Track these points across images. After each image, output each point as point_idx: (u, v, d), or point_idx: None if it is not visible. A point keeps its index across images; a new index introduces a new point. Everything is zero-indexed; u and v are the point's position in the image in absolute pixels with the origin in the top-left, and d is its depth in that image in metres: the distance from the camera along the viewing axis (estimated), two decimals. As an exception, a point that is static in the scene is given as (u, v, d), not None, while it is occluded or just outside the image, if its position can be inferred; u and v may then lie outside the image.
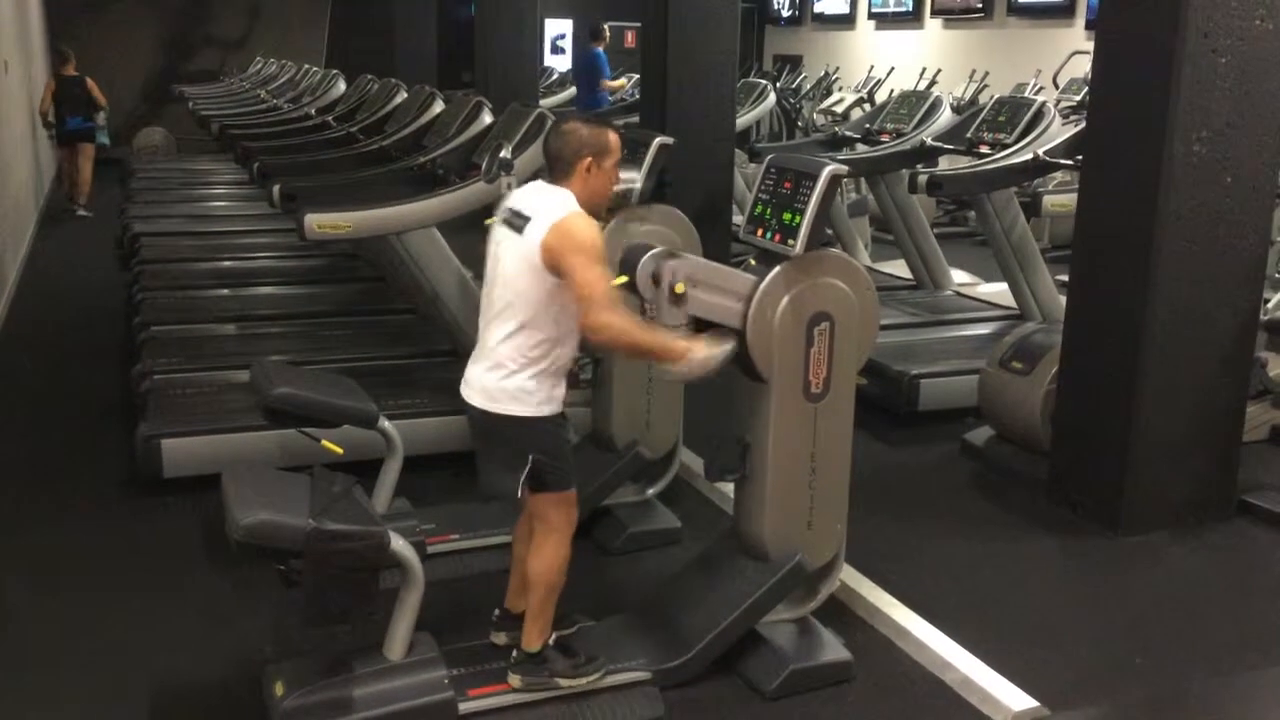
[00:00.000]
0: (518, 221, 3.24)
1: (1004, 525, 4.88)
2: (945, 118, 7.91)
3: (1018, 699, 3.50)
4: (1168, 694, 3.58)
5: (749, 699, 3.53)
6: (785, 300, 3.47)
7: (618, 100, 12.48)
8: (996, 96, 7.35)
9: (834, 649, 3.67)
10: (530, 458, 3.24)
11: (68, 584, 4.24)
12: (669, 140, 4.39)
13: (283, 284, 7.89)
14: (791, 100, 13.92)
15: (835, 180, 3.44)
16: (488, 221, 4.39)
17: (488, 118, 6.06)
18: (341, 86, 10.09)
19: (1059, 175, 8.41)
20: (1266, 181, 4.59)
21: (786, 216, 3.49)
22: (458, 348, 5.92)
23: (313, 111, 9.47)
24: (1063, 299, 7.22)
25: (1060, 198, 6.43)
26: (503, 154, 4.58)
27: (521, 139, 5.04)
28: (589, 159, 3.24)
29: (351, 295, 7.68)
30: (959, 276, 8.38)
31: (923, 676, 3.69)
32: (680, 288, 3.35)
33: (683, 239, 4.45)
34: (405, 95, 7.87)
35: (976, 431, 5.69)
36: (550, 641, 3.43)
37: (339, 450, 4.10)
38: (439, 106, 6.97)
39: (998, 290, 7.87)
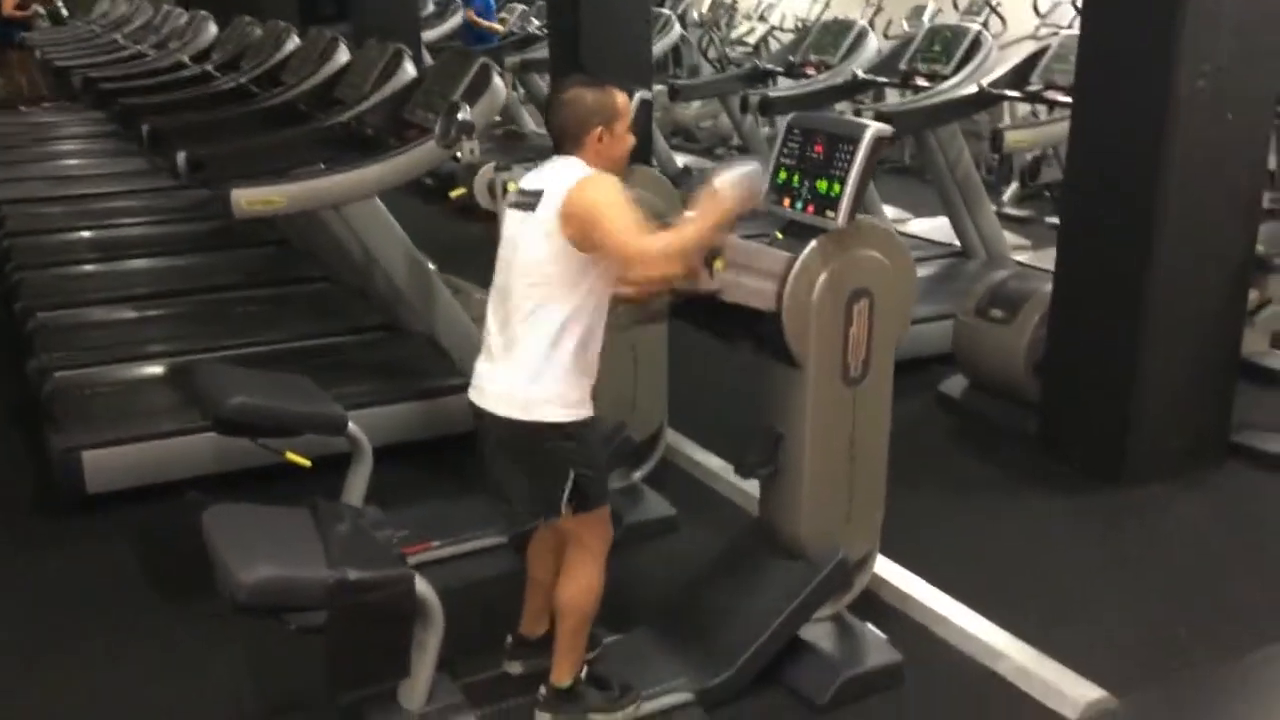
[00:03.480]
0: (528, 199, 2.82)
1: (1002, 484, 4.70)
2: (873, 48, 7.63)
3: (1082, 688, 3.29)
4: (1227, 673, 3.42)
5: (802, 713, 3.24)
6: (823, 277, 3.13)
7: (505, 36, 11.86)
8: (930, 25, 7.08)
9: (882, 650, 3.41)
10: (572, 474, 2.85)
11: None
12: (649, 95, 3.98)
13: (176, 253, 7.16)
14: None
15: (879, 144, 3.09)
16: (453, 194, 3.97)
17: (410, 68, 5.51)
18: (213, 29, 9.24)
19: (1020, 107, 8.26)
20: (1265, 117, 4.42)
21: (822, 185, 3.13)
22: (399, 323, 5.46)
23: (186, 59, 8.63)
24: (1007, 234, 7.14)
25: (1022, 133, 6.22)
26: (462, 115, 4.10)
27: (470, 96, 4.53)
28: (599, 128, 2.85)
29: (255, 262, 7.03)
30: (888, 212, 8.16)
31: (974, 669, 3.46)
32: (720, 264, 2.99)
33: (665, 203, 4.08)
34: (297, 41, 7.20)
35: (951, 382, 5.49)
36: (582, 674, 3.08)
37: (306, 462, 3.65)
38: (344, 55, 6.34)
39: (932, 226, 7.69)
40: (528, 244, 2.80)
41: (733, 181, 2.82)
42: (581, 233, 2.71)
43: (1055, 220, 8.25)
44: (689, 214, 2.81)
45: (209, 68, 8.02)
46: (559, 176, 2.79)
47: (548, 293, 2.78)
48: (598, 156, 2.86)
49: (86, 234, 7.64)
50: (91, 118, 11.54)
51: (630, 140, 2.96)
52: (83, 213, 8.18)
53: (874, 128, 3.09)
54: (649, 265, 2.69)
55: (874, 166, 3.10)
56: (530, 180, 2.88)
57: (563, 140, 2.88)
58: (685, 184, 3.21)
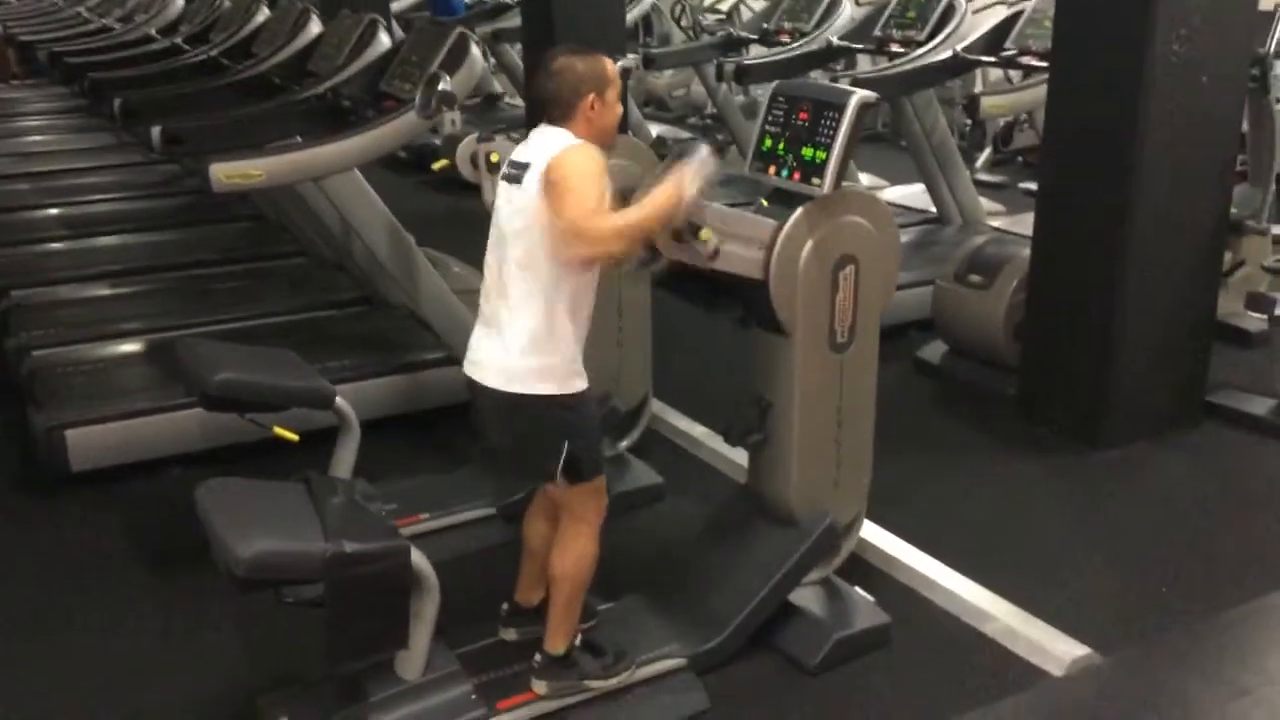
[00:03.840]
0: (517, 172, 2.82)
1: (983, 449, 4.75)
2: (847, 14, 7.61)
3: (1067, 646, 3.35)
4: (1209, 628, 3.48)
5: (793, 675, 3.28)
6: (809, 244, 3.16)
7: (473, 5, 11.74)
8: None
9: (870, 612, 3.45)
10: (565, 445, 2.87)
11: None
12: (630, 63, 3.98)
13: (150, 229, 7.08)
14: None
15: (864, 110, 3.10)
16: (436, 166, 3.96)
17: (385, 39, 5.46)
18: (180, 1, 9.12)
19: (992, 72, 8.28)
20: (1238, 79, 4.47)
21: (807, 152, 3.15)
22: (379, 296, 5.45)
23: (154, 32, 8.52)
24: (983, 200, 7.18)
25: (999, 99, 6.24)
26: (443, 86, 4.07)
27: (448, 66, 4.50)
28: (590, 96, 2.84)
29: (230, 237, 6.98)
30: (863, 179, 8.18)
31: (961, 630, 3.51)
32: (706, 234, 3.00)
33: (647, 172, 4.08)
34: (267, 12, 7.12)
35: (930, 348, 5.53)
36: (576, 641, 3.11)
37: (294, 437, 3.65)
38: (316, 26, 6.28)
39: (908, 193, 7.72)
40: (515, 216, 2.80)
41: (686, 170, 2.84)
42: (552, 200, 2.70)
43: (1029, 186, 8.32)
44: (641, 200, 2.82)
45: (178, 40, 7.92)
46: (546, 148, 2.77)
47: (535, 266, 2.78)
48: (589, 125, 2.84)
49: (59, 210, 7.54)
50: (56, 93, 11.38)
51: (619, 109, 2.95)
52: (54, 189, 8.08)
53: (859, 94, 3.11)
54: (592, 242, 2.68)
55: (859, 133, 3.11)
56: (519, 152, 2.87)
57: (553, 110, 2.86)
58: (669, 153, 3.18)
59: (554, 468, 2.86)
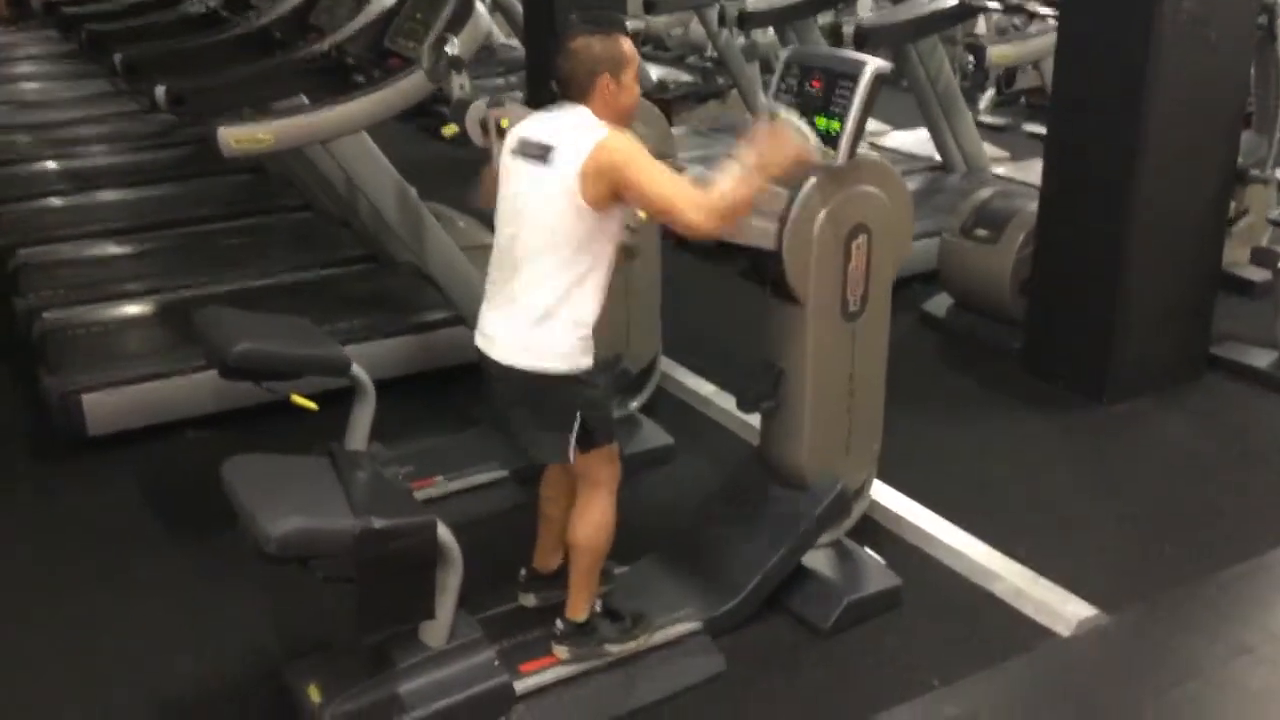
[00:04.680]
0: (538, 152, 2.83)
1: (988, 403, 4.80)
2: (850, -42, 7.54)
3: (1074, 606, 3.43)
4: (1212, 586, 3.55)
5: (805, 638, 3.36)
6: (822, 214, 3.18)
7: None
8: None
9: (882, 575, 3.53)
10: (579, 416, 2.91)
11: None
12: (641, 24, 3.95)
13: (153, 182, 7.03)
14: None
15: (879, 80, 3.10)
16: (446, 132, 3.95)
17: (388, -8, 5.40)
18: (173, -54, 8.99)
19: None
20: (1245, 34, 4.45)
21: (821, 122, 3.15)
22: (385, 253, 5.46)
23: (149, -21, 8.41)
24: (987, 146, 7.16)
25: (1006, 49, 6.21)
26: (450, 49, 4.05)
27: (453, 26, 4.46)
28: (606, 76, 2.83)
29: (233, 190, 6.95)
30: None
31: (970, 590, 3.58)
32: None
33: (658, 136, 4.09)
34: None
35: (935, 300, 5.56)
36: (596, 607, 3.18)
37: (313, 406, 3.67)
38: (315, -23, 6.21)
39: (911, 138, 7.69)
40: (540, 200, 2.80)
41: (776, 136, 2.82)
42: (609, 193, 2.71)
43: (1033, 128, 8.29)
44: (737, 166, 2.75)
45: (173, -12, 7.83)
46: (571, 133, 2.77)
47: (558, 249, 2.79)
48: (605, 106, 2.84)
49: (59, 164, 7.48)
50: (48, 36, 11.23)
51: (637, 90, 2.95)
52: (52, 140, 8.00)
53: (873, 64, 3.10)
54: (700, 214, 2.68)
55: (874, 103, 3.12)
56: (537, 130, 2.86)
57: (570, 89, 2.85)
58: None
59: (567, 441, 2.90)
